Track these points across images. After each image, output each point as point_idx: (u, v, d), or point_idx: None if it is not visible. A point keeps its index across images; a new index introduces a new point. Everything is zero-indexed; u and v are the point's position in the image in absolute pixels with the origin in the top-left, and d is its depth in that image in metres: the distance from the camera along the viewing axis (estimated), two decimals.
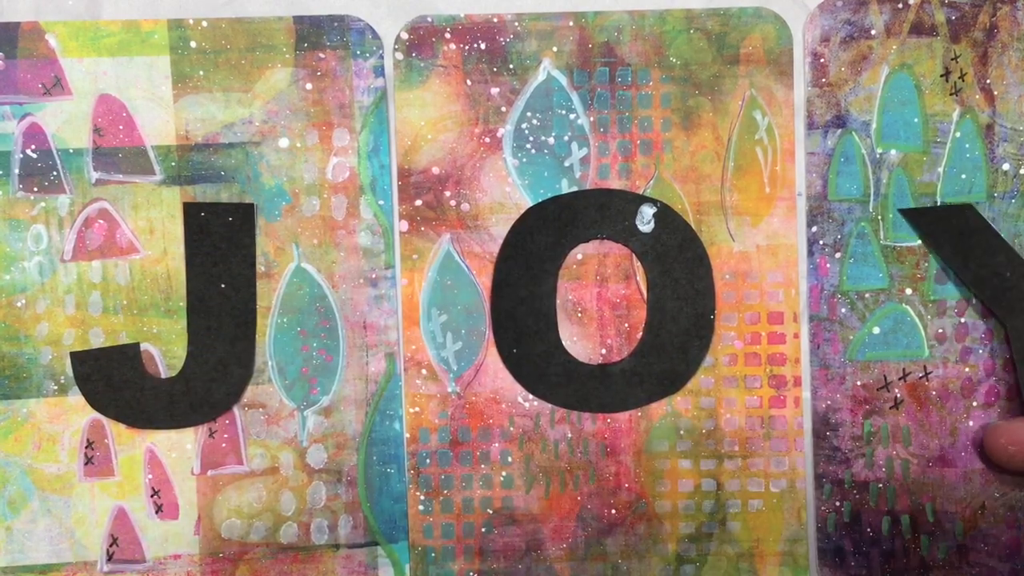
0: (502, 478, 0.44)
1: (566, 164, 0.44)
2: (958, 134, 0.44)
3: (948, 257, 0.44)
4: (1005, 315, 0.44)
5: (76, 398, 0.43)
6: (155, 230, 0.43)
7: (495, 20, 0.43)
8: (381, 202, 0.44)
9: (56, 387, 0.43)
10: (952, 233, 0.44)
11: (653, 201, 0.44)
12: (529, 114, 0.44)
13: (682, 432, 0.44)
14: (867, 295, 0.44)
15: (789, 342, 0.44)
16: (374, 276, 0.44)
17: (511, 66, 0.43)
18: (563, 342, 0.44)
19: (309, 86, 0.43)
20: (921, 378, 0.44)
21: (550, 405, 0.44)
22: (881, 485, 0.45)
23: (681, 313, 0.44)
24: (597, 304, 0.44)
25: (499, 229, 0.44)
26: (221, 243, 0.43)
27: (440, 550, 0.44)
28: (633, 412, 0.44)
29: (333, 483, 0.44)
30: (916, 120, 0.44)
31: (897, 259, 0.44)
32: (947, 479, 0.45)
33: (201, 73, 0.43)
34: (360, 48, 0.43)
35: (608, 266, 0.44)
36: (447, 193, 0.44)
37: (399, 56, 0.43)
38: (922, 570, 0.45)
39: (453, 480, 0.44)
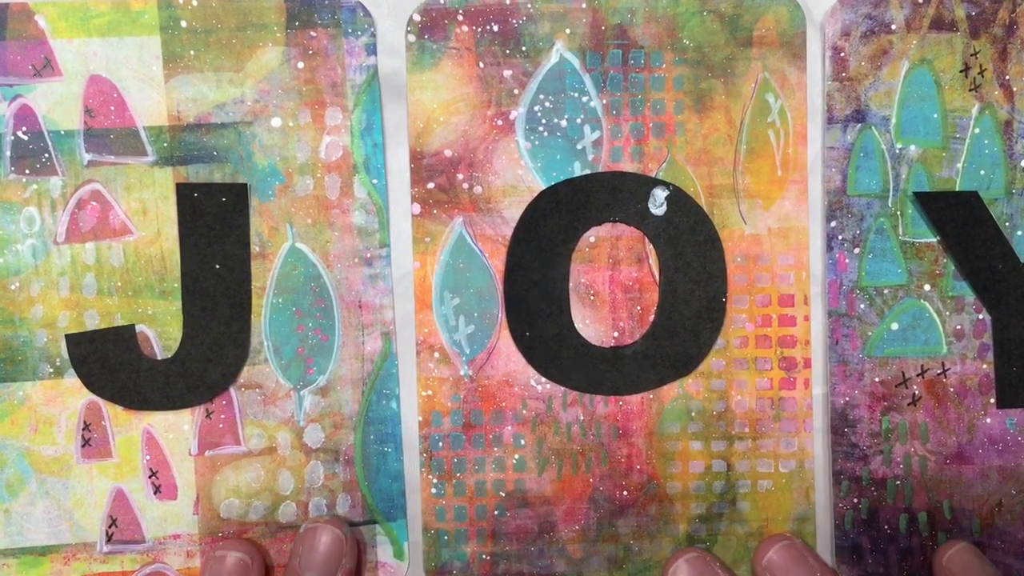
0: (515, 461, 0.44)
1: (579, 147, 0.44)
2: (977, 130, 0.44)
3: (951, 245, 0.44)
4: (992, 306, 0.44)
5: (72, 380, 0.43)
6: (148, 211, 0.43)
7: (508, 2, 0.43)
8: (375, 181, 0.44)
9: (52, 369, 0.43)
10: (957, 221, 0.43)
11: (665, 184, 0.44)
12: (542, 96, 0.44)
13: (693, 414, 0.44)
14: (886, 291, 0.44)
15: (800, 324, 0.44)
16: (368, 255, 0.44)
17: (524, 48, 0.43)
18: (575, 325, 0.44)
19: (301, 65, 0.43)
20: (939, 374, 0.44)
21: (562, 388, 0.44)
22: (899, 482, 0.44)
23: (693, 296, 0.44)
24: (609, 287, 0.44)
25: (512, 212, 0.44)
26: (215, 224, 0.43)
27: (453, 533, 0.44)
28: (645, 394, 0.44)
29: (331, 462, 0.44)
30: (935, 116, 0.44)
31: (916, 255, 0.44)
32: (964, 476, 0.44)
33: (192, 53, 0.43)
34: (352, 26, 0.43)
35: (620, 249, 0.44)
36: (460, 176, 0.44)
37: (411, 38, 0.43)
38: None
39: (466, 463, 0.44)
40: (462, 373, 0.44)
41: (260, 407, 0.44)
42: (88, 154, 0.43)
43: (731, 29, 0.43)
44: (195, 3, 0.42)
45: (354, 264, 0.44)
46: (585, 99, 0.44)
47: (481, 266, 0.44)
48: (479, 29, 0.43)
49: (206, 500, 0.44)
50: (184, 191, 0.43)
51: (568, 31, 0.43)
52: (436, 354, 0.44)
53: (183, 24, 0.43)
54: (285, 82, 0.43)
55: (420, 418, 0.44)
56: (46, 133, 0.43)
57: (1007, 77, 0.44)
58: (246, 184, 0.43)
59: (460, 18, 0.43)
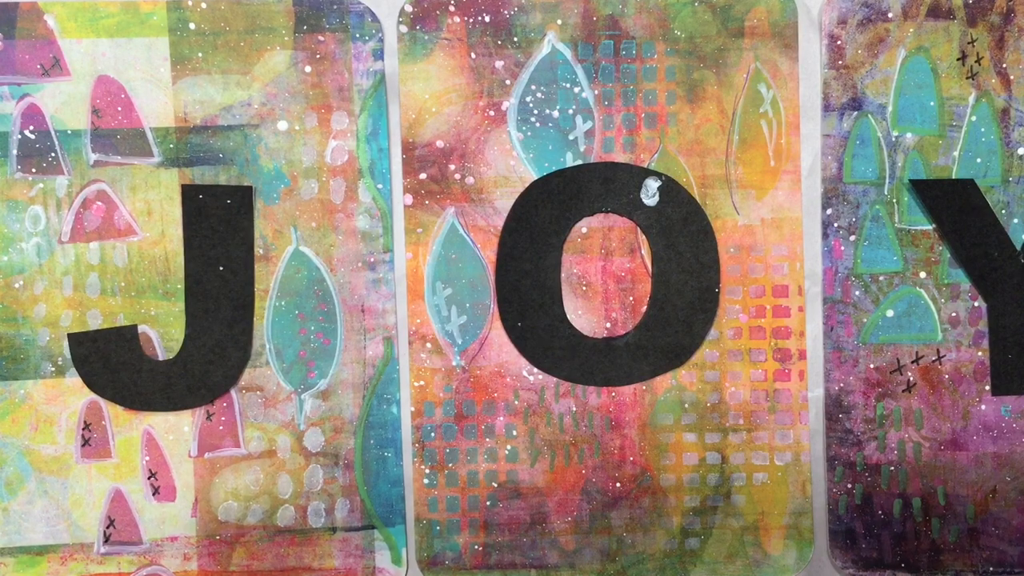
0: (507, 452, 0.44)
1: (570, 137, 0.44)
2: (974, 118, 0.44)
3: (948, 233, 0.44)
4: (987, 294, 0.44)
5: (73, 379, 0.43)
6: (153, 212, 0.43)
7: None
8: (380, 185, 0.44)
9: (53, 368, 0.43)
10: (953, 209, 0.43)
11: (658, 174, 0.44)
12: (533, 87, 0.44)
13: (687, 405, 0.44)
14: (881, 278, 0.44)
15: (794, 315, 0.44)
16: (372, 260, 0.44)
17: (515, 39, 0.43)
18: (568, 316, 0.44)
19: (308, 69, 0.43)
20: (934, 361, 0.44)
21: (555, 378, 0.44)
22: (893, 468, 0.44)
23: (686, 286, 0.44)
24: (602, 278, 0.44)
25: (504, 203, 0.44)
26: (219, 226, 0.43)
27: (445, 523, 0.44)
28: (638, 385, 0.44)
29: (330, 466, 0.44)
30: (932, 103, 0.44)
31: (912, 242, 0.44)
32: (959, 462, 0.44)
33: (200, 55, 0.43)
34: (359, 31, 0.43)
35: (613, 239, 0.44)
36: (452, 166, 0.44)
37: (403, 29, 0.43)
38: (933, 553, 0.44)
39: (458, 453, 0.44)
40: (454, 363, 0.44)
41: (260, 410, 0.44)
42: (94, 154, 0.43)
43: (723, 19, 0.43)
44: (204, 5, 0.43)
45: (357, 268, 0.44)
46: (577, 90, 0.44)
47: (473, 256, 0.44)
48: (471, 20, 0.43)
49: (204, 502, 0.44)
50: (189, 193, 0.43)
51: (560, 22, 0.43)
52: (428, 344, 0.44)
53: (192, 26, 0.43)
54: (292, 86, 0.43)
55: (412, 408, 0.44)
56: (53, 132, 0.43)
57: (1004, 65, 0.44)
58: (251, 187, 0.43)
59: (452, 9, 0.43)
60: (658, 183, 0.44)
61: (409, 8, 0.43)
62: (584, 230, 0.44)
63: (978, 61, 0.44)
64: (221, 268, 0.43)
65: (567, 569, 0.44)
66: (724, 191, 0.44)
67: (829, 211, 0.44)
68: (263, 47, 0.43)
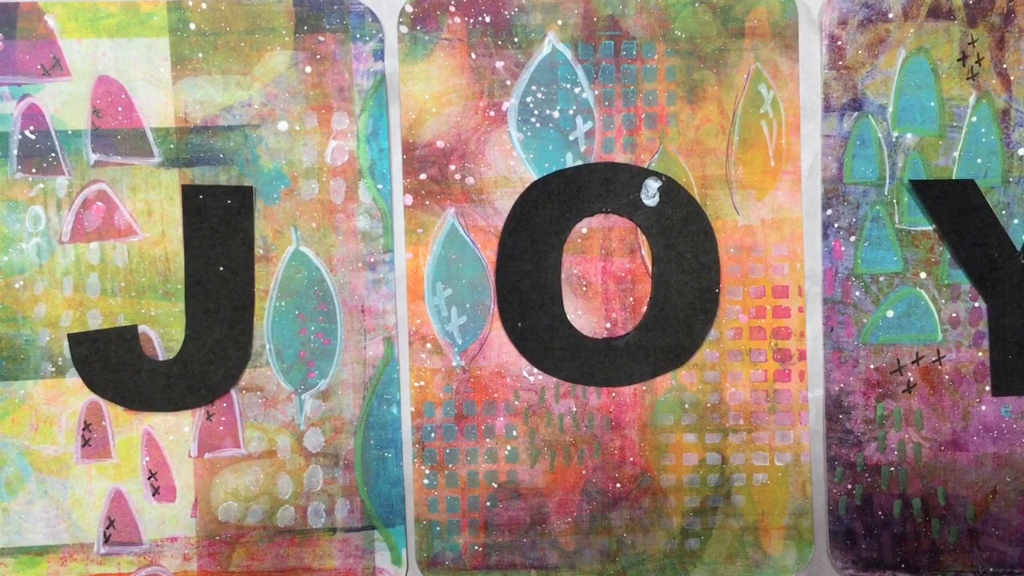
0: (507, 452, 0.44)
1: (571, 138, 0.44)
2: (974, 118, 0.44)
3: (948, 233, 0.44)
4: (988, 294, 0.44)
5: (74, 380, 0.43)
6: (153, 212, 0.43)
7: None
8: (380, 186, 0.44)
9: (54, 369, 0.43)
10: (954, 209, 0.43)
11: (658, 175, 0.44)
12: (534, 88, 0.44)
13: (687, 406, 0.44)
14: (881, 278, 0.44)
15: (794, 316, 0.44)
16: (372, 260, 0.44)
17: (516, 39, 0.43)
18: (568, 316, 0.44)
19: (308, 69, 0.43)
20: (934, 362, 0.44)
21: (555, 379, 0.44)
22: (893, 468, 0.44)
23: (686, 287, 0.44)
24: (602, 278, 0.44)
25: (504, 203, 0.44)
26: (219, 226, 0.43)
27: (445, 524, 0.44)
28: (638, 386, 0.44)
29: (330, 467, 0.44)
30: (932, 104, 0.44)
31: (912, 243, 0.44)
32: (959, 463, 0.44)
33: (200, 55, 0.43)
34: (360, 31, 0.43)
35: (613, 240, 0.44)
36: (452, 167, 0.44)
37: (403, 29, 0.43)
38: (933, 553, 0.44)
39: (458, 454, 0.44)
40: (454, 364, 0.44)
41: (260, 410, 0.44)
42: (95, 154, 0.43)
43: (723, 20, 0.43)
44: (204, 6, 0.43)
45: (358, 268, 0.44)
46: (577, 90, 0.44)
47: (473, 257, 0.44)
48: (471, 20, 0.43)
49: (204, 503, 0.44)
50: (189, 193, 0.43)
51: (560, 22, 0.43)
52: (428, 345, 0.44)
53: (192, 26, 0.43)
54: (292, 86, 0.43)
55: (412, 409, 0.44)
56: (53, 132, 0.43)
57: (1004, 66, 0.44)
58: (251, 187, 0.43)
59: (452, 9, 0.43)
60: (658, 183, 0.44)
61: (409, 8, 0.43)
62: (584, 230, 0.44)
63: (978, 62, 0.44)
64: (221, 268, 0.43)
65: (567, 570, 0.44)
66: (724, 191, 0.44)
67: (829, 211, 0.44)
68: (263, 47, 0.43)
